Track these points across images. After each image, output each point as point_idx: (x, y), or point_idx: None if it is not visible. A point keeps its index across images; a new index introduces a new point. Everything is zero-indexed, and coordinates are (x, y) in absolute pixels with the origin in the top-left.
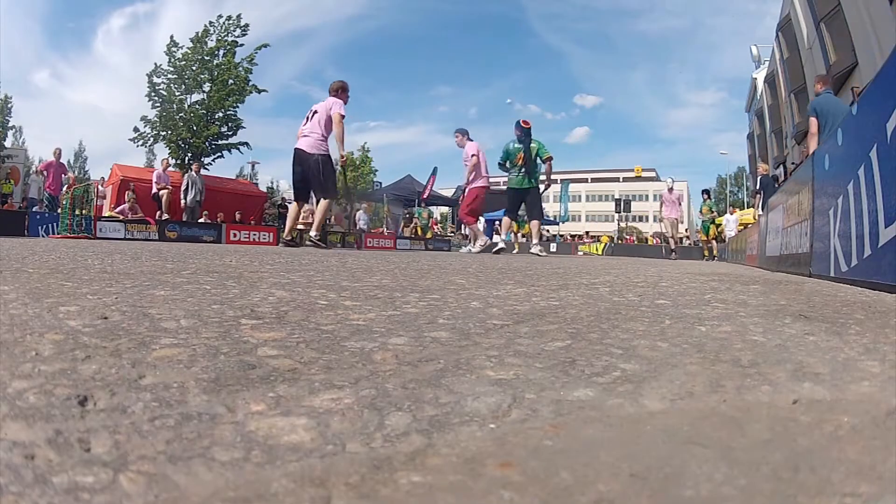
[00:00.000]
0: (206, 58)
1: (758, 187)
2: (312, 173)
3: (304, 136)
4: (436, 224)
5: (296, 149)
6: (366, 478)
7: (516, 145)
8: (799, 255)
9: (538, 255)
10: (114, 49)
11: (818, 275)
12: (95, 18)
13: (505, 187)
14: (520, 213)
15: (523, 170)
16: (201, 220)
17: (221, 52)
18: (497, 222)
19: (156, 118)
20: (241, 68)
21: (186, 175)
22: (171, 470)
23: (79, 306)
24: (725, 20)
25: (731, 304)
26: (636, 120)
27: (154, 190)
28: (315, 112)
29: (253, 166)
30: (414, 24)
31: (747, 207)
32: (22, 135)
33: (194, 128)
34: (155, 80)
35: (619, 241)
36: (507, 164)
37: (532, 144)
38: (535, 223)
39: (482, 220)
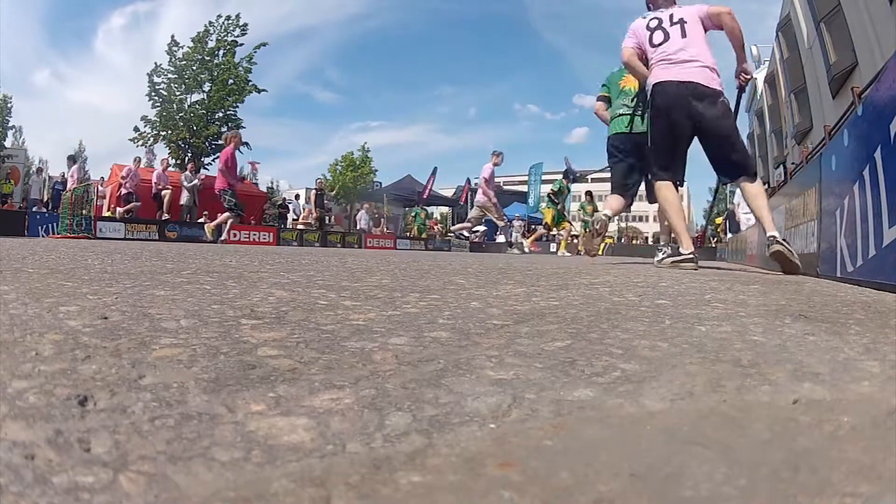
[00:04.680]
0: (206, 58)
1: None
2: (713, 127)
3: (679, 61)
4: (436, 224)
5: (667, 83)
6: (366, 478)
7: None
8: (805, 256)
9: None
10: (114, 48)
11: (825, 275)
12: (96, 18)
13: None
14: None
15: (636, 103)
16: (201, 220)
17: (221, 52)
18: (508, 223)
19: (156, 118)
20: (240, 68)
21: (183, 175)
22: (171, 470)
23: (79, 306)
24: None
25: (731, 304)
26: None
27: (154, 190)
28: (680, 21)
29: (253, 166)
30: (415, 23)
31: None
32: (22, 135)
33: (194, 128)
34: (155, 79)
35: (620, 241)
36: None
37: None
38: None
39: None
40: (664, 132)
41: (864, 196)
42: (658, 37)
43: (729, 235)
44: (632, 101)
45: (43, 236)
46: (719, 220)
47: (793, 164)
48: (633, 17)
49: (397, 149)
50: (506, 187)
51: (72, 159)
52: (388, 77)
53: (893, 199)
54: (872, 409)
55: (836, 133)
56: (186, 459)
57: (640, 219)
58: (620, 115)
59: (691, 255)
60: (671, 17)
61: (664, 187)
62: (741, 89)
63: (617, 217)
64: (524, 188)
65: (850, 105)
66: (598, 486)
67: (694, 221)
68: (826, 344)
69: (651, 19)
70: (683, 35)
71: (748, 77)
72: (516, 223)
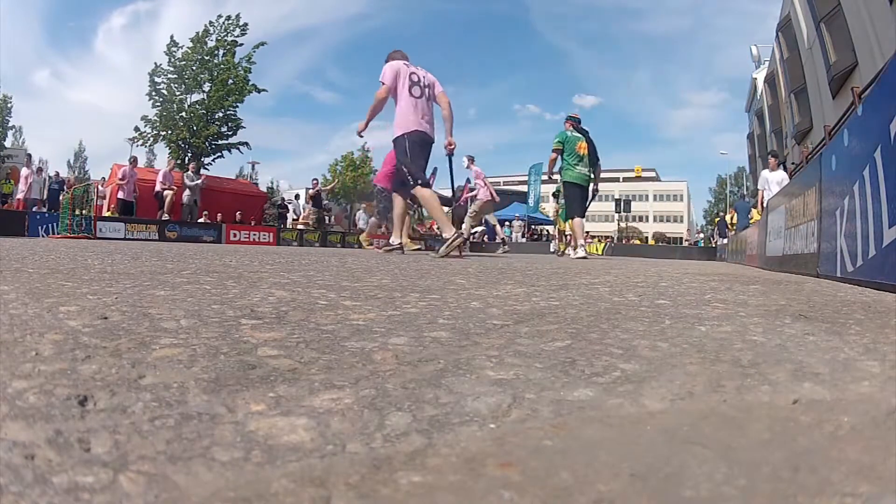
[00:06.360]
0: (206, 57)
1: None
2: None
3: (428, 120)
4: (435, 224)
5: (423, 133)
6: (366, 478)
7: (575, 133)
8: (805, 256)
9: (584, 257)
10: (115, 48)
11: (825, 275)
12: (96, 17)
13: (559, 182)
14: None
15: (586, 162)
16: (201, 220)
17: (221, 52)
18: (508, 223)
19: (156, 118)
20: (240, 68)
21: (185, 175)
22: (171, 470)
23: (79, 306)
24: (728, 20)
25: (731, 304)
26: (636, 120)
27: (157, 189)
28: (430, 85)
29: (253, 166)
30: (415, 23)
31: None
32: (22, 135)
33: (194, 128)
34: (155, 79)
35: (620, 241)
36: (565, 155)
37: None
38: (579, 221)
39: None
40: (421, 160)
41: (864, 196)
42: (416, 92)
43: (723, 240)
44: (581, 161)
45: (43, 236)
46: (717, 220)
47: (793, 164)
48: (632, 17)
49: None
50: (505, 187)
51: (27, 158)
52: None
53: (893, 199)
54: (872, 409)
55: (836, 133)
56: (186, 459)
57: (640, 219)
58: (580, 172)
59: (457, 237)
60: (424, 77)
61: (426, 191)
62: (450, 155)
63: (617, 217)
64: (524, 188)
65: (850, 105)
66: (598, 486)
67: (693, 220)
68: (826, 344)
69: (412, 73)
70: (428, 99)
71: (452, 147)
72: (516, 223)
